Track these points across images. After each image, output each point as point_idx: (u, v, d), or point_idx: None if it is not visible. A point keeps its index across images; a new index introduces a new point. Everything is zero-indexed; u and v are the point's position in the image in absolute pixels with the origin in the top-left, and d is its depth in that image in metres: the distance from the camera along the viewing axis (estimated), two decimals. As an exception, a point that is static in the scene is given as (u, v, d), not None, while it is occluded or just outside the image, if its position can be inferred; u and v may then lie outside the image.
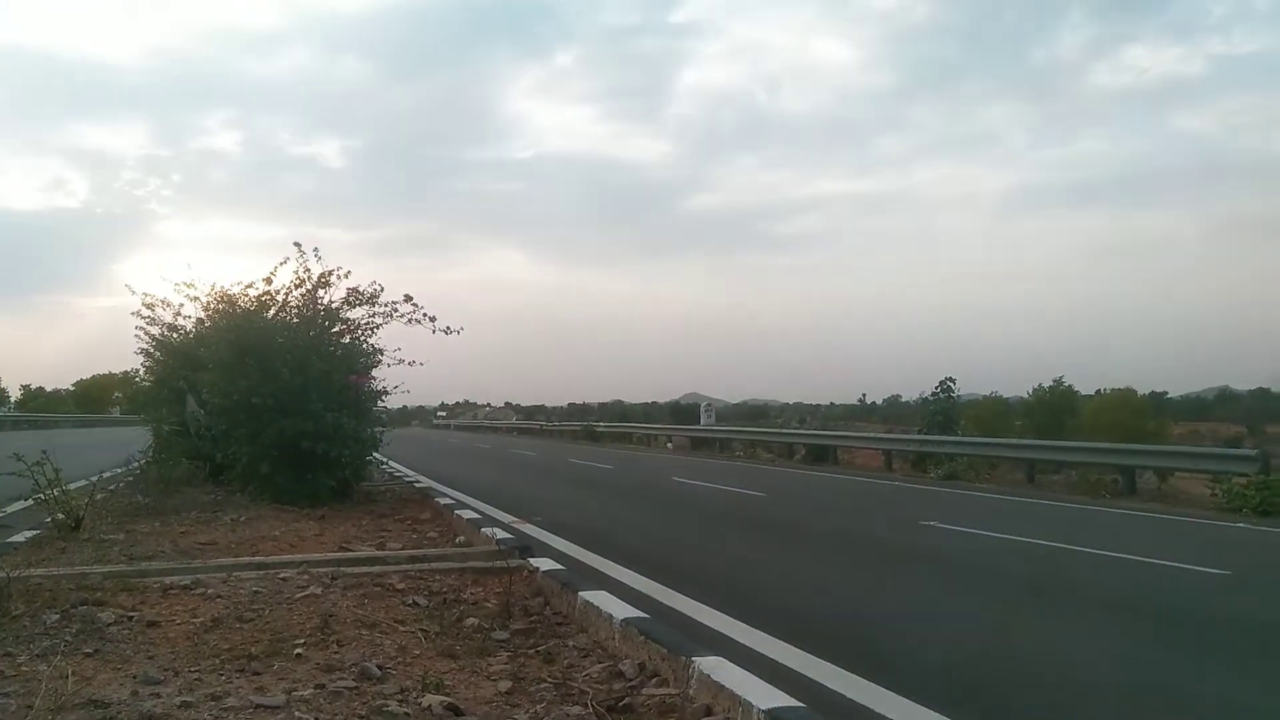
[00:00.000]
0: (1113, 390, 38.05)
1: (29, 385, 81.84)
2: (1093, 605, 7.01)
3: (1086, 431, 28.24)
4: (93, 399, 78.20)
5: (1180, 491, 17.28)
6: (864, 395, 79.56)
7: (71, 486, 9.37)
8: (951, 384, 26.97)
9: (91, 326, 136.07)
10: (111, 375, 73.72)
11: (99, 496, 10.01)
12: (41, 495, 8.65)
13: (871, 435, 29.91)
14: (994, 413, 39.04)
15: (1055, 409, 34.48)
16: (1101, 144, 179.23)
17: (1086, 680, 4.97)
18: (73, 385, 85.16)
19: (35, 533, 8.44)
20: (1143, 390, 41.03)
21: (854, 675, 4.66)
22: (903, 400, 65.78)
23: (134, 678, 4.21)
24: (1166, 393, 63.12)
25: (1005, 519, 12.38)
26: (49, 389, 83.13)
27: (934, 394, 26.74)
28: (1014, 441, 23.57)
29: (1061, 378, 37.22)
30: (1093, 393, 39.08)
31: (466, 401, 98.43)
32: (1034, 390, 37.46)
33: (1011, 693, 4.76)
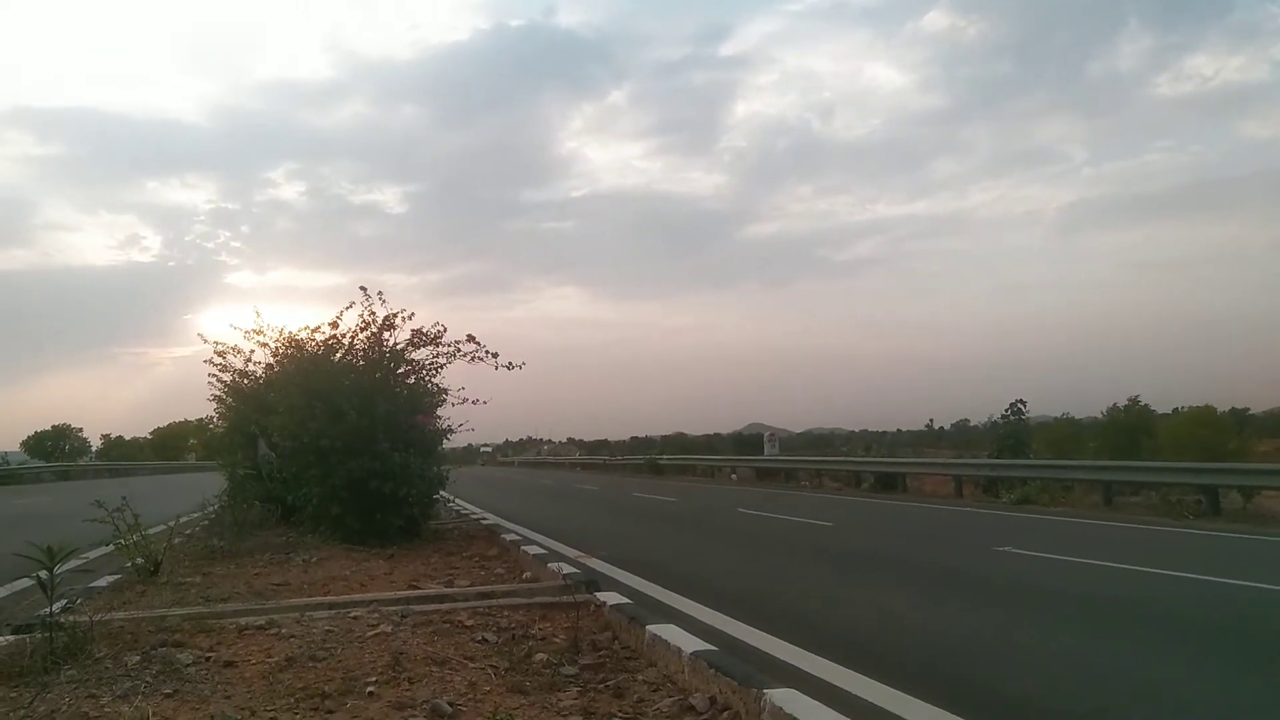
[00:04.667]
0: (1191, 408, 36.75)
1: (109, 434, 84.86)
2: (1186, 629, 6.76)
3: (1165, 452, 27.25)
4: (169, 446, 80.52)
5: (1267, 510, 16.65)
6: (931, 421, 78.44)
7: (150, 532, 9.61)
8: (1022, 406, 26.48)
9: (167, 376, 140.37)
10: (187, 422, 76.01)
11: (176, 541, 10.26)
12: (122, 541, 8.91)
13: (940, 461, 29.26)
14: (1066, 435, 38.06)
15: (1131, 429, 33.43)
16: (1166, 156, 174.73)
17: (1181, 709, 4.78)
18: (150, 433, 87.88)
19: (117, 577, 8.67)
20: (1223, 407, 39.55)
21: (931, 705, 4.55)
22: (972, 424, 64.68)
23: (212, 717, 4.28)
24: (1249, 409, 60.83)
25: (1083, 543, 12.02)
26: (128, 438, 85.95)
27: (1004, 417, 26.30)
28: (1089, 463, 22.96)
29: (1137, 396, 36.16)
30: (1170, 411, 37.88)
31: (529, 438, 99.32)
32: (1108, 410, 36.46)
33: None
